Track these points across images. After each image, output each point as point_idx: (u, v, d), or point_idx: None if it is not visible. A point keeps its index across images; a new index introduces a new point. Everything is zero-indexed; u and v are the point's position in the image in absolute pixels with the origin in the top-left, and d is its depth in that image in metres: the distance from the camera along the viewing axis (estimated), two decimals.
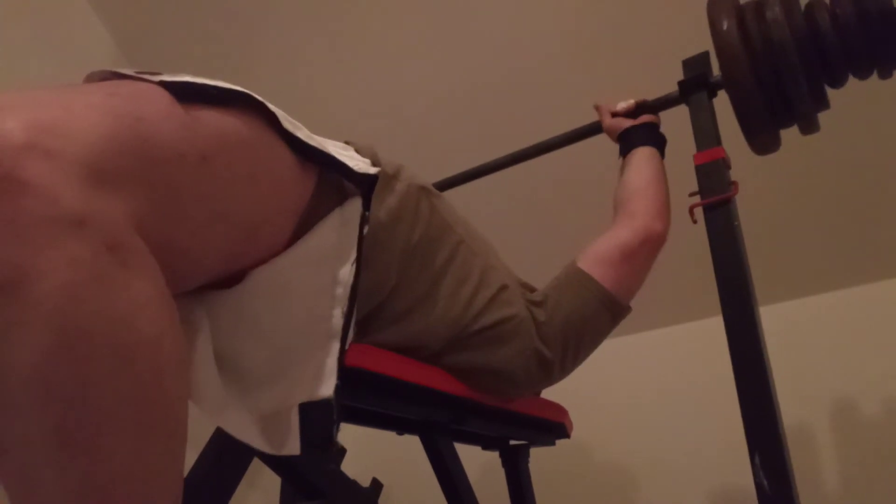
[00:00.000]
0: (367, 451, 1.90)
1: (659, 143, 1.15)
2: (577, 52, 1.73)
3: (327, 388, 0.62)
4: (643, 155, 1.11)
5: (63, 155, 0.39)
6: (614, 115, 1.21)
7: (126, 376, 0.40)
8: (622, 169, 1.13)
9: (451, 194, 1.40)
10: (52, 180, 0.38)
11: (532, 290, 1.00)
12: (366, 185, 0.70)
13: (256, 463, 0.81)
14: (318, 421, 0.61)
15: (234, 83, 0.56)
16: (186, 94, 0.51)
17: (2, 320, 0.37)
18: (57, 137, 0.40)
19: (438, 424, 1.03)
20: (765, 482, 0.80)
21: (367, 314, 0.75)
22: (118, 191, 0.42)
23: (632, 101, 1.19)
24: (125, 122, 0.44)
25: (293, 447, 0.62)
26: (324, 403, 0.62)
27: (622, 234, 0.99)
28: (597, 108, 1.26)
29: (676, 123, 1.16)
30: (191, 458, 0.76)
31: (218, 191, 0.51)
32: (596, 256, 0.98)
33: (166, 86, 0.50)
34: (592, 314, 0.94)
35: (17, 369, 0.37)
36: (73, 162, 0.39)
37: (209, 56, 2.00)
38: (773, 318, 1.16)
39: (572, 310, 0.93)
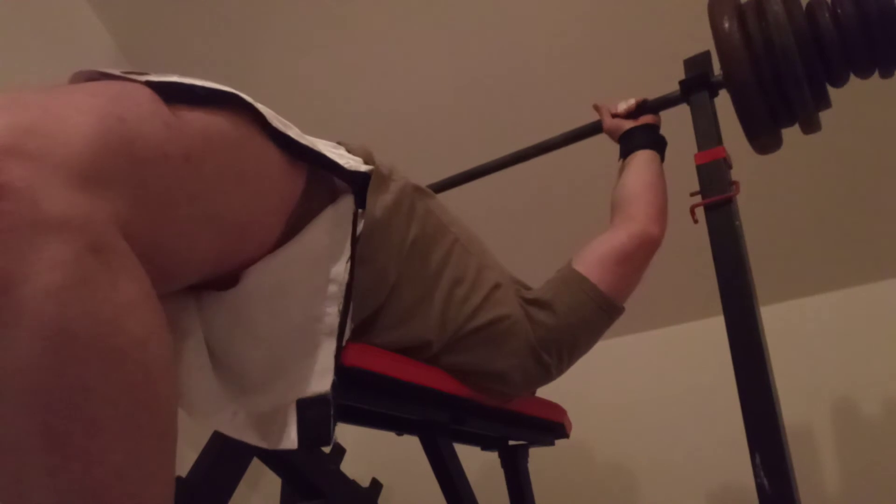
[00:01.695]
0: (367, 451, 1.90)
1: (659, 145, 1.15)
2: (577, 51, 1.73)
3: (324, 384, 0.63)
4: (643, 158, 1.11)
5: (44, 157, 0.39)
6: (615, 115, 1.20)
7: (115, 378, 0.40)
8: (621, 170, 1.13)
9: (451, 194, 1.40)
10: (33, 183, 0.38)
11: (527, 288, 1.00)
12: (357, 183, 0.70)
13: (256, 463, 0.81)
14: (316, 416, 0.62)
15: (233, 82, 0.56)
16: (173, 95, 0.50)
17: None
18: (38, 139, 0.39)
19: (438, 424, 1.03)
20: (765, 482, 0.80)
21: (367, 318, 0.74)
22: (101, 192, 0.41)
23: (632, 102, 1.19)
24: (108, 123, 0.43)
25: (290, 442, 0.62)
26: (321, 399, 0.62)
27: (619, 237, 0.99)
28: (596, 107, 1.26)
29: (677, 123, 1.16)
30: (191, 458, 0.76)
31: (204, 190, 0.51)
32: (592, 259, 0.98)
33: (152, 86, 0.50)
34: (588, 315, 0.95)
35: (4, 373, 0.37)
36: (54, 164, 0.39)
37: (209, 55, 2.00)
38: (774, 318, 1.16)
39: (569, 310, 0.94)
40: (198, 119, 0.52)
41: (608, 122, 1.21)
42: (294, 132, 0.63)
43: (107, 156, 0.42)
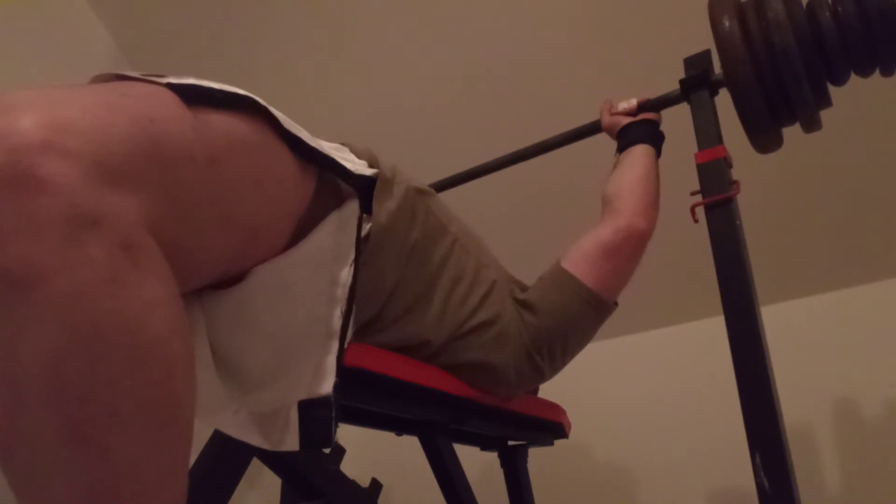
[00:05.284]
0: (366, 451, 1.90)
1: (656, 140, 1.14)
2: (577, 50, 1.73)
3: (326, 386, 0.63)
4: (637, 153, 1.10)
5: (79, 154, 0.39)
6: (614, 114, 1.20)
7: (137, 376, 0.41)
8: (615, 165, 1.13)
9: (451, 194, 1.40)
10: (69, 179, 0.38)
11: (524, 288, 1.00)
12: (362, 187, 0.71)
13: (256, 463, 0.81)
14: (318, 418, 0.62)
15: (234, 82, 0.57)
16: (192, 97, 0.51)
17: (16, 317, 0.37)
18: (73, 136, 0.40)
19: (437, 424, 1.03)
20: (765, 481, 0.80)
21: (368, 320, 0.75)
22: (132, 191, 0.42)
23: (633, 102, 1.18)
24: (139, 124, 0.44)
25: (292, 443, 0.62)
26: (323, 401, 0.62)
27: (604, 231, 0.99)
28: (605, 102, 1.25)
29: (678, 122, 1.16)
30: (191, 458, 0.76)
31: (224, 192, 0.52)
32: (578, 255, 0.98)
33: (173, 88, 0.50)
34: (576, 312, 0.94)
35: (29, 366, 0.38)
36: (89, 161, 0.40)
37: (209, 55, 2.00)
38: (774, 318, 1.16)
39: (556, 309, 0.93)
40: (220, 122, 0.53)
41: (607, 119, 1.21)
42: (304, 135, 0.63)
43: (139, 156, 0.43)
